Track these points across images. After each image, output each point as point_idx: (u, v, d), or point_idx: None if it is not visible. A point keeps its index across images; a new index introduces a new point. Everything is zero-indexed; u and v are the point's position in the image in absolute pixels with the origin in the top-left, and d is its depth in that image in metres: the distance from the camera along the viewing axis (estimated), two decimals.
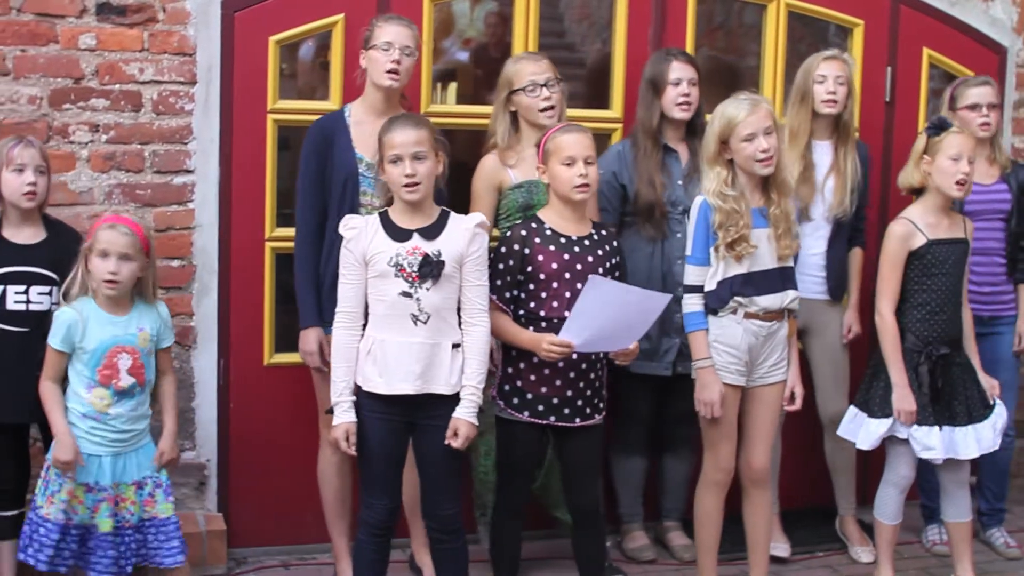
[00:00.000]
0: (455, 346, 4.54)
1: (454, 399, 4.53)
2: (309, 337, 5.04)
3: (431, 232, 4.52)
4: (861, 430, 5.29)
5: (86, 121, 5.32)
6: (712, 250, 4.87)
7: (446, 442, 4.51)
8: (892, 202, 6.12)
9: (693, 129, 5.54)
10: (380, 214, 4.55)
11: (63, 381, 4.62)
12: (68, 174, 5.27)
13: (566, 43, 6.56)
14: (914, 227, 5.20)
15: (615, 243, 4.86)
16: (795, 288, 4.98)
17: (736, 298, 4.87)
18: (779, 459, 5.72)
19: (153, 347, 4.68)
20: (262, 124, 5.45)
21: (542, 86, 5.19)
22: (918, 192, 5.31)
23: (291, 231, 5.39)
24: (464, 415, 4.52)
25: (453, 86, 6.53)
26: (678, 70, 5.44)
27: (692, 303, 4.92)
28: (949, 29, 6.32)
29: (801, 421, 5.70)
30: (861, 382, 5.40)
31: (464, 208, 4.96)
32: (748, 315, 4.89)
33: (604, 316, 4.55)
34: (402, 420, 4.52)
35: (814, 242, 5.65)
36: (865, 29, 6.16)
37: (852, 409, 5.37)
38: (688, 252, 4.95)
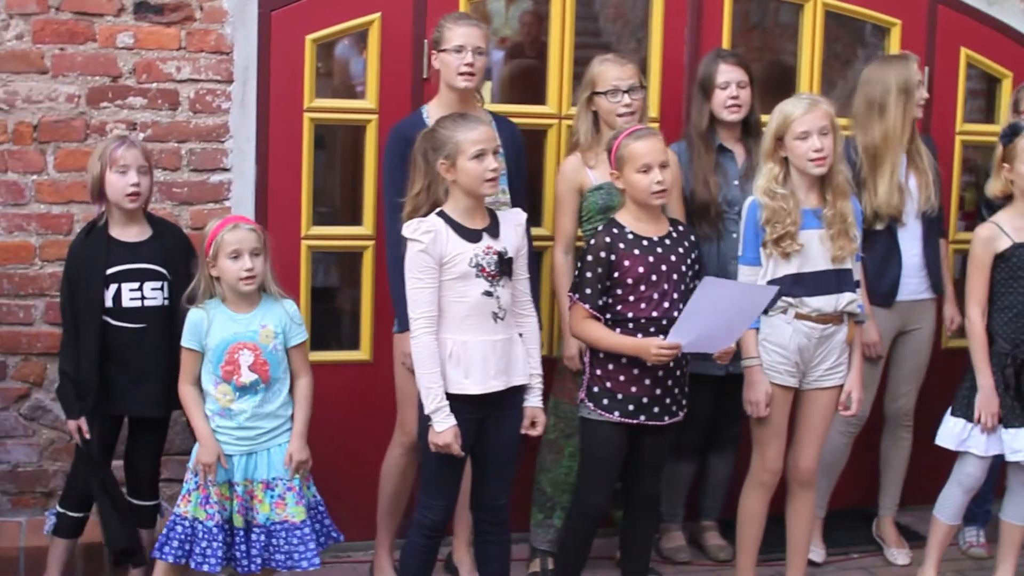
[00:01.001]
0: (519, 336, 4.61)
1: (521, 389, 4.59)
2: (407, 340, 5.01)
3: (493, 231, 4.53)
4: (942, 425, 5.27)
5: (123, 119, 5.35)
6: (761, 248, 4.88)
7: (523, 431, 4.59)
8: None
9: (748, 129, 5.53)
10: (440, 215, 4.51)
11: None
12: None
13: (601, 43, 6.55)
14: (999, 230, 5.17)
15: (692, 238, 4.87)
16: (852, 291, 4.94)
17: (785, 298, 4.87)
18: (840, 467, 5.73)
19: (280, 344, 4.68)
20: (298, 123, 5.46)
21: (624, 92, 5.17)
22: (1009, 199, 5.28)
23: (327, 230, 5.43)
24: (538, 403, 4.61)
25: (488, 85, 6.52)
26: (726, 72, 5.43)
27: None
28: (987, 29, 6.28)
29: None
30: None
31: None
32: (799, 316, 4.89)
33: (713, 315, 4.56)
34: (478, 417, 4.53)
35: (911, 243, 5.61)
36: (902, 29, 6.12)
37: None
38: (740, 252, 4.97)
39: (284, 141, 5.45)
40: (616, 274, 4.69)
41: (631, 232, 4.74)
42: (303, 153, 5.47)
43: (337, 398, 5.48)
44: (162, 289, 4.85)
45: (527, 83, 6.58)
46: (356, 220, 5.61)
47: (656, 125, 5.70)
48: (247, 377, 4.60)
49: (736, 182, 5.52)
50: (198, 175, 5.43)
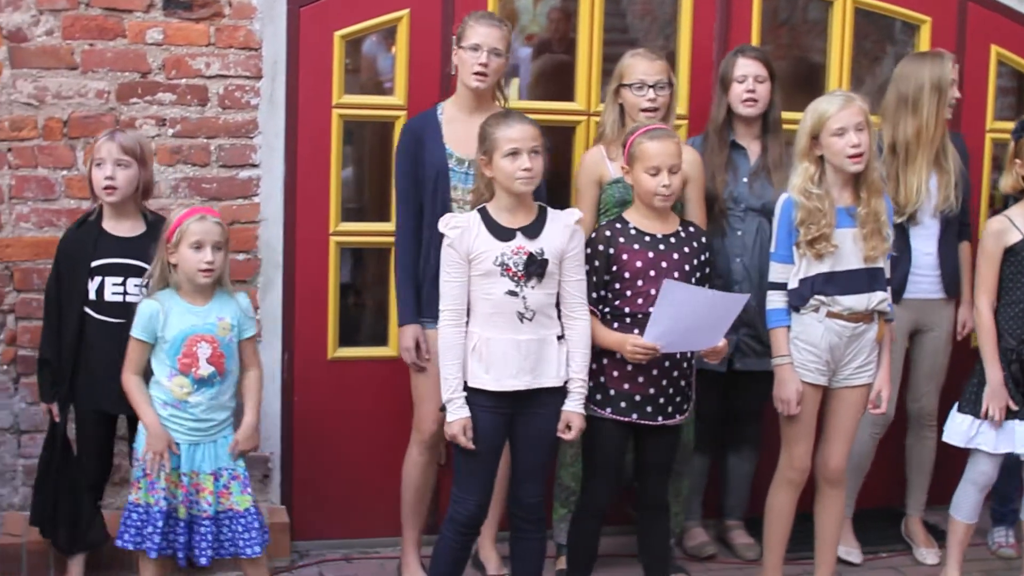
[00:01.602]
0: (559, 338, 4.57)
1: (560, 390, 4.57)
2: (407, 333, 5.06)
3: (533, 230, 4.53)
4: (949, 421, 5.26)
5: (153, 115, 5.35)
6: (794, 247, 4.86)
7: (559, 435, 4.57)
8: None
9: (767, 125, 5.51)
10: (480, 211, 4.54)
11: (147, 374, 4.67)
12: None
13: (629, 39, 6.54)
14: (1010, 223, 5.16)
15: (703, 239, 4.84)
16: (884, 290, 4.91)
17: (817, 296, 4.86)
18: (867, 466, 5.72)
19: (235, 337, 4.70)
20: (327, 119, 5.46)
21: (650, 87, 5.15)
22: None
23: (356, 226, 5.43)
24: (576, 407, 4.59)
25: (515, 82, 6.53)
26: (744, 67, 5.42)
27: (775, 300, 4.92)
28: (1017, 26, 6.24)
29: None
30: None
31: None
32: (831, 314, 4.87)
33: (683, 318, 4.54)
34: (507, 413, 4.54)
35: (925, 241, 5.58)
36: (932, 26, 6.09)
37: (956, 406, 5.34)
38: (772, 249, 4.96)
39: (313, 137, 5.46)
40: (615, 268, 4.67)
41: (634, 228, 4.73)
42: (331, 149, 5.47)
43: (364, 394, 5.50)
44: (146, 286, 4.81)
45: (555, 80, 6.58)
46: (384, 216, 5.59)
47: (684, 123, 5.72)
48: (205, 370, 4.60)
49: (745, 180, 5.50)
50: (227, 171, 5.43)
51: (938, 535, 5.83)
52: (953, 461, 5.49)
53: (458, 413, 4.49)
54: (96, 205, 4.90)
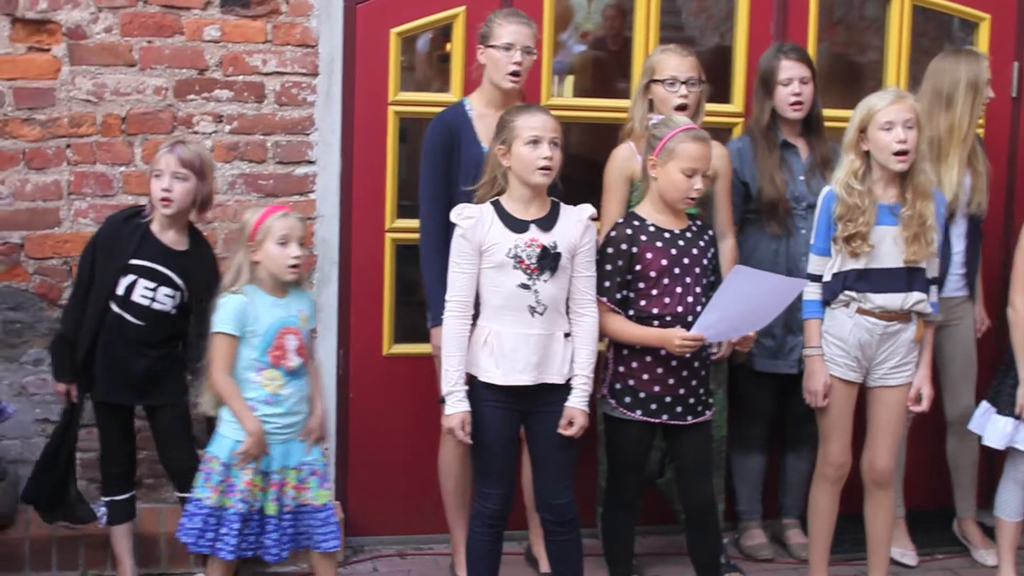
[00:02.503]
0: (566, 335, 4.54)
1: (565, 388, 4.53)
2: (439, 334, 5.02)
3: (547, 223, 4.50)
4: (989, 426, 5.21)
5: (210, 112, 5.38)
6: (832, 241, 4.84)
7: (560, 431, 4.52)
8: (1019, 197, 6.04)
9: (810, 124, 5.48)
10: (493, 203, 4.53)
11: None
12: None
13: (685, 37, 6.50)
14: None
15: (711, 233, 4.81)
16: (923, 291, 4.87)
17: (847, 292, 4.84)
18: (903, 462, 5.66)
19: (309, 329, 4.74)
20: (383, 116, 5.48)
21: (682, 83, 5.13)
22: None
23: (411, 222, 5.43)
24: (578, 404, 4.52)
25: (570, 79, 6.51)
26: (788, 69, 5.39)
27: (811, 292, 4.90)
28: None
29: (924, 422, 5.62)
30: (993, 377, 5.32)
31: (578, 202, 4.92)
32: (861, 311, 4.85)
33: (741, 305, 4.51)
34: (516, 408, 4.52)
35: (956, 240, 5.54)
36: (992, 23, 6.04)
37: (983, 404, 5.29)
38: (811, 240, 4.95)
39: (369, 134, 5.48)
40: (638, 267, 4.64)
41: (652, 224, 4.69)
42: (387, 146, 5.49)
43: (419, 390, 5.50)
44: (174, 298, 4.86)
45: (609, 77, 6.56)
46: None
47: (740, 120, 5.70)
48: (295, 361, 4.63)
49: (802, 177, 5.48)
50: (283, 167, 5.46)
51: (994, 536, 5.78)
52: (1002, 461, 5.43)
53: (457, 407, 4.47)
54: (150, 211, 4.92)
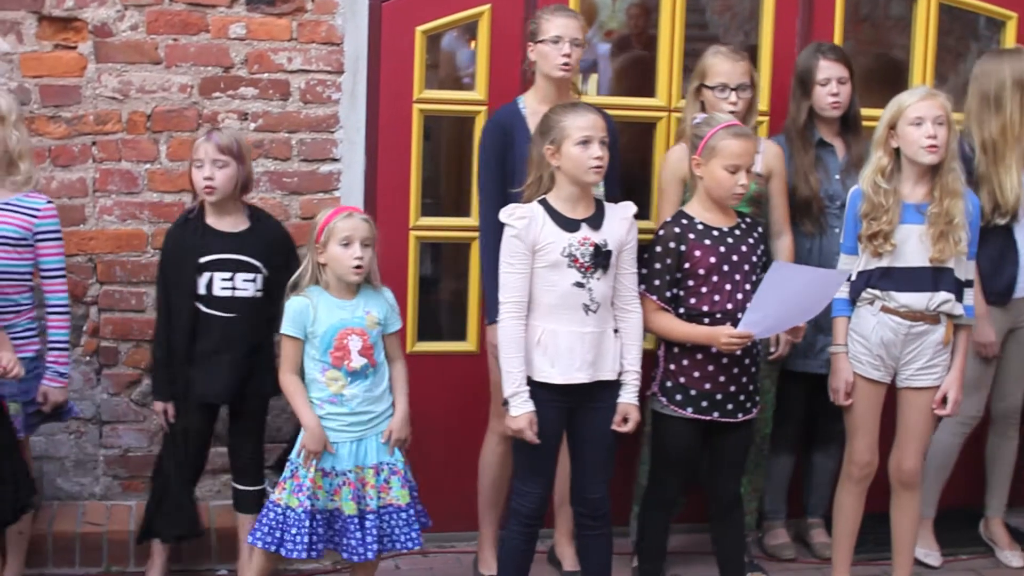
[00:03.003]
0: (615, 331, 4.55)
1: (614, 384, 4.55)
2: (496, 332, 5.03)
3: (595, 222, 4.51)
4: None
5: (235, 109, 5.40)
6: (857, 239, 4.85)
7: (614, 427, 4.55)
8: None
9: (847, 123, 5.46)
10: (541, 202, 4.52)
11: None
12: None
13: (709, 35, 6.50)
14: None
15: (760, 230, 4.82)
16: (950, 291, 4.85)
17: (871, 290, 4.85)
18: (950, 466, 5.66)
19: (382, 330, 4.71)
20: (408, 114, 5.48)
21: (732, 89, 5.12)
22: None
23: (436, 220, 5.44)
24: (632, 400, 4.56)
25: (594, 77, 6.51)
26: (826, 69, 5.37)
27: (840, 290, 4.89)
28: None
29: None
30: None
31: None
32: (885, 309, 4.85)
33: (784, 300, 4.52)
34: (566, 407, 4.53)
35: (1021, 241, 5.48)
36: (1018, 22, 6.00)
37: None
38: (841, 239, 4.97)
39: (393, 132, 5.47)
40: (687, 265, 4.65)
41: (700, 223, 4.70)
42: (412, 144, 5.48)
43: (443, 389, 5.51)
44: (255, 281, 4.89)
45: (635, 75, 6.55)
46: (462, 211, 5.61)
47: (766, 119, 5.68)
48: (357, 362, 4.61)
49: (837, 176, 5.46)
50: (308, 165, 5.47)
51: (1019, 537, 5.77)
52: None
53: (523, 407, 4.47)
54: (197, 203, 4.95)
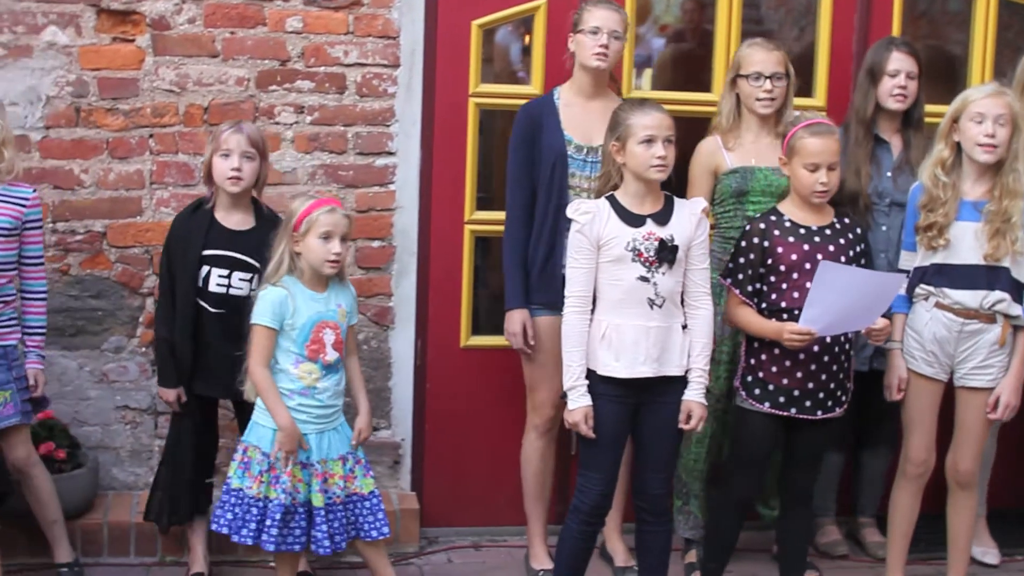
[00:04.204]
0: (683, 327, 4.55)
1: (680, 380, 4.54)
2: (514, 318, 5.06)
3: (662, 217, 4.50)
4: None
5: (291, 102, 5.41)
6: (915, 232, 4.85)
7: (680, 425, 4.54)
8: None
9: (909, 120, 5.42)
10: (608, 198, 4.52)
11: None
12: (273, 155, 5.32)
13: (764, 30, 6.45)
14: None
15: (858, 231, 4.79)
16: (1006, 290, 4.80)
17: (924, 286, 4.83)
18: (990, 462, 5.59)
19: (347, 323, 4.74)
20: (463, 107, 5.49)
21: (767, 77, 5.10)
22: None
23: (490, 214, 5.44)
24: (697, 397, 4.55)
25: (648, 72, 6.48)
26: (897, 61, 5.32)
27: (903, 284, 4.86)
28: None
29: (1016, 420, 5.53)
30: None
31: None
32: (939, 305, 4.83)
33: (839, 300, 4.49)
34: (631, 402, 4.52)
35: None
36: None
37: None
38: (903, 236, 4.96)
39: (449, 125, 5.49)
40: (770, 260, 4.65)
41: (789, 220, 4.70)
42: (468, 138, 5.50)
43: (495, 382, 5.53)
44: (250, 281, 4.88)
45: (688, 70, 6.53)
46: None
47: (823, 114, 5.63)
48: (332, 355, 4.63)
49: (889, 174, 5.41)
50: (364, 158, 5.48)
51: None
52: None
53: (580, 401, 4.48)
54: (213, 192, 4.94)
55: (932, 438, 4.98)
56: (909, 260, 4.93)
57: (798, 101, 5.59)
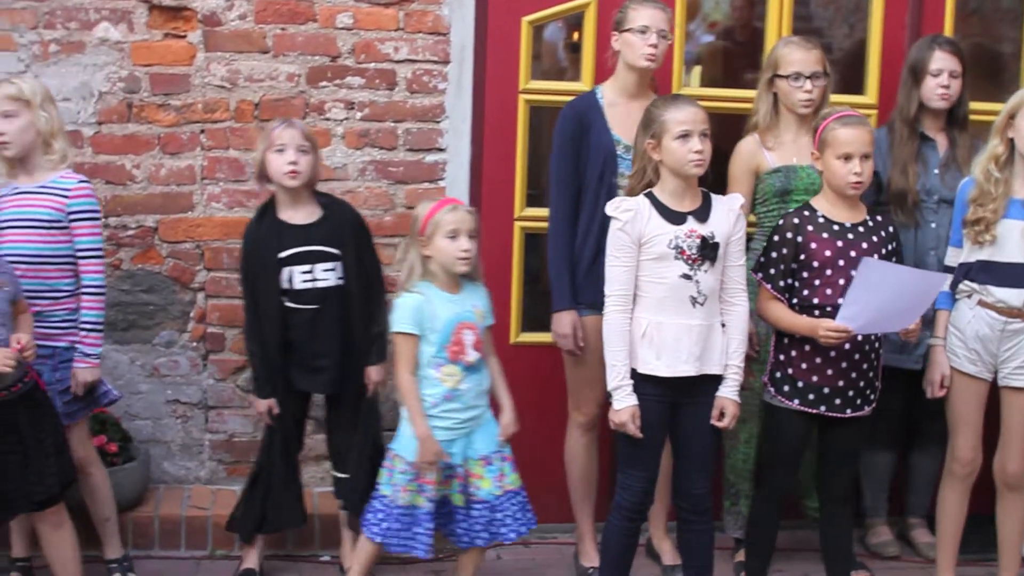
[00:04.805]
0: (723, 325, 4.53)
1: (720, 379, 4.52)
2: (563, 320, 5.05)
3: (702, 214, 4.48)
4: None
5: (342, 99, 5.43)
6: (962, 226, 4.82)
7: (712, 422, 4.52)
8: None
9: (954, 119, 5.38)
10: (647, 195, 4.51)
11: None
12: (323, 151, 5.34)
13: (813, 27, 6.44)
14: None
15: (891, 228, 4.75)
16: None
17: (968, 283, 4.81)
18: None
19: (484, 324, 4.73)
20: (513, 104, 5.49)
21: (807, 77, 5.07)
22: None
23: (540, 211, 5.43)
24: (730, 394, 4.53)
25: (697, 69, 6.47)
26: (940, 60, 5.29)
27: (946, 283, 4.83)
28: None
29: None
30: None
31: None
32: (983, 303, 4.80)
33: (880, 298, 4.46)
34: (671, 400, 4.51)
35: None
36: None
37: None
38: (950, 233, 4.95)
39: (499, 122, 5.49)
40: (803, 256, 4.61)
41: (822, 216, 4.65)
42: (517, 134, 5.50)
43: (545, 379, 5.51)
44: (334, 269, 4.90)
45: (737, 67, 6.51)
46: None
47: (874, 112, 5.62)
48: (472, 356, 4.62)
49: (936, 171, 5.38)
50: (414, 155, 5.49)
51: None
52: None
53: (626, 401, 4.46)
54: (262, 189, 4.96)
55: (978, 437, 4.95)
56: (955, 256, 4.91)
57: (850, 99, 5.59)
